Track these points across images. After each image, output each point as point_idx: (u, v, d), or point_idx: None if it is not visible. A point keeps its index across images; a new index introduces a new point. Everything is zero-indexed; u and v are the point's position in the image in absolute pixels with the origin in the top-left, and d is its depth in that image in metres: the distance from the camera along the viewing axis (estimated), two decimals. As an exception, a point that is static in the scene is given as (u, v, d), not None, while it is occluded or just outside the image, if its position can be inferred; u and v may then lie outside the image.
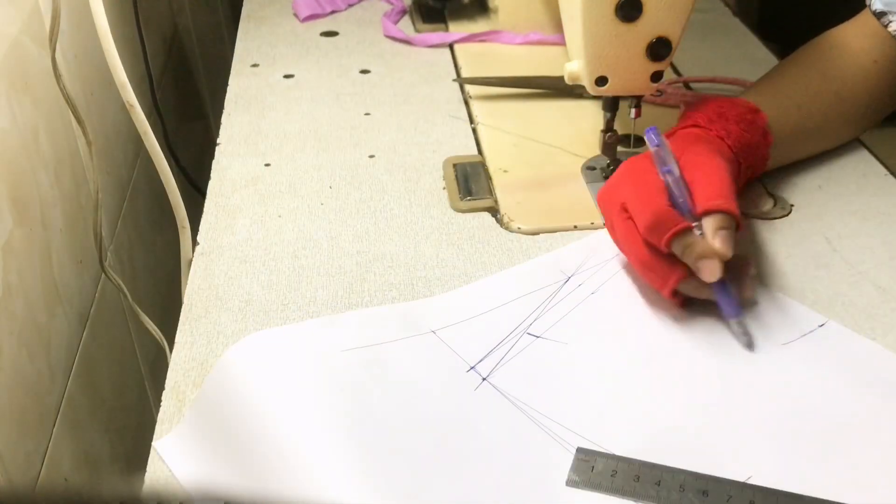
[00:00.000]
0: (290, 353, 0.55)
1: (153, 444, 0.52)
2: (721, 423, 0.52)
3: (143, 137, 0.76)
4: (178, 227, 0.79)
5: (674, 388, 0.54)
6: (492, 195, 0.73)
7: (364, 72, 0.94)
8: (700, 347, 0.57)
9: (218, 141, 0.82)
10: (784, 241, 0.67)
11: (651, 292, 0.61)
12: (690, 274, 0.57)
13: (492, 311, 0.60)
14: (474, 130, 0.83)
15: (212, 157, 0.80)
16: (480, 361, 0.55)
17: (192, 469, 0.51)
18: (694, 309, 0.60)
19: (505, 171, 0.76)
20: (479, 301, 0.61)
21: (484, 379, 0.54)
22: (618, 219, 0.61)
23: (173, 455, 0.51)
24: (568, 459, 0.49)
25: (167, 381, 0.57)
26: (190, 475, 0.50)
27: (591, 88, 0.69)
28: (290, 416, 0.50)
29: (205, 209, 0.73)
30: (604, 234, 0.65)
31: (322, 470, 0.47)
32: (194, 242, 0.69)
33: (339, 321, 0.58)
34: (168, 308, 0.93)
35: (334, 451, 0.48)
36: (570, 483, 0.48)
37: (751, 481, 0.48)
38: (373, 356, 0.55)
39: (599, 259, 0.64)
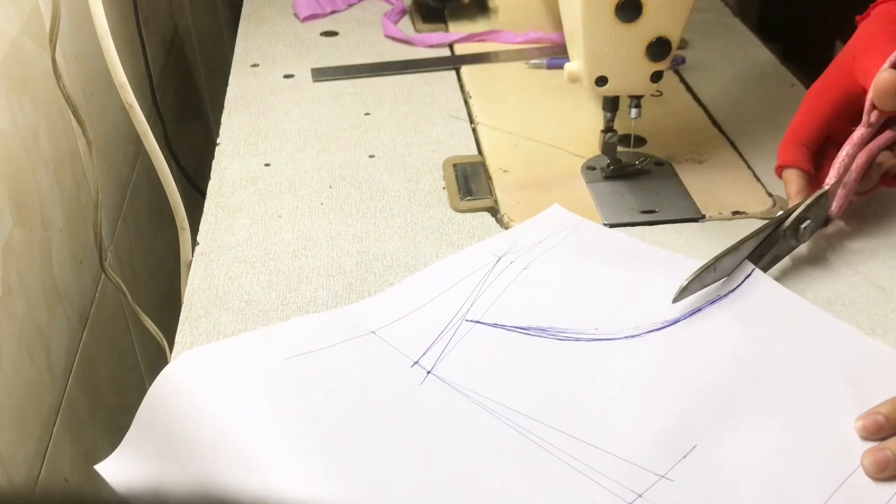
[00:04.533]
0: (231, 366, 0.54)
1: (94, 467, 0.51)
2: (661, 392, 0.53)
3: (142, 138, 0.76)
4: (178, 227, 0.79)
5: (608, 358, 0.55)
6: (492, 195, 0.73)
7: (364, 72, 0.94)
8: (628, 313, 0.58)
9: (218, 141, 0.82)
10: (784, 241, 0.67)
11: (581, 263, 0.62)
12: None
13: (429, 302, 0.60)
14: (474, 130, 0.83)
15: (212, 157, 0.80)
16: (423, 355, 0.56)
17: (136, 487, 0.50)
18: (628, 279, 0.61)
19: (505, 171, 0.76)
20: (415, 295, 0.61)
21: (429, 372, 0.54)
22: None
23: (116, 476, 0.51)
24: (517, 440, 0.50)
25: (167, 381, 0.57)
26: (136, 493, 0.50)
27: (591, 88, 0.69)
28: (239, 426, 0.50)
29: (205, 209, 0.73)
30: (532, 222, 0.67)
31: (278, 476, 0.47)
32: (194, 242, 0.69)
33: (277, 331, 0.58)
34: (168, 308, 0.93)
35: (288, 457, 0.48)
36: None
37: (695, 451, 0.49)
38: (315, 361, 0.55)
39: (528, 242, 0.65)
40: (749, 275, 0.59)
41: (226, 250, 0.68)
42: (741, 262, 0.60)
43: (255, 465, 0.47)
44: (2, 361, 0.60)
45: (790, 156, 0.65)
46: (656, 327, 0.57)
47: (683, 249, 0.66)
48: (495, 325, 0.57)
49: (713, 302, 0.58)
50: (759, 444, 0.49)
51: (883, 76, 0.59)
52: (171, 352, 0.60)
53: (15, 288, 0.63)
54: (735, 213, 0.70)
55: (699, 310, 0.57)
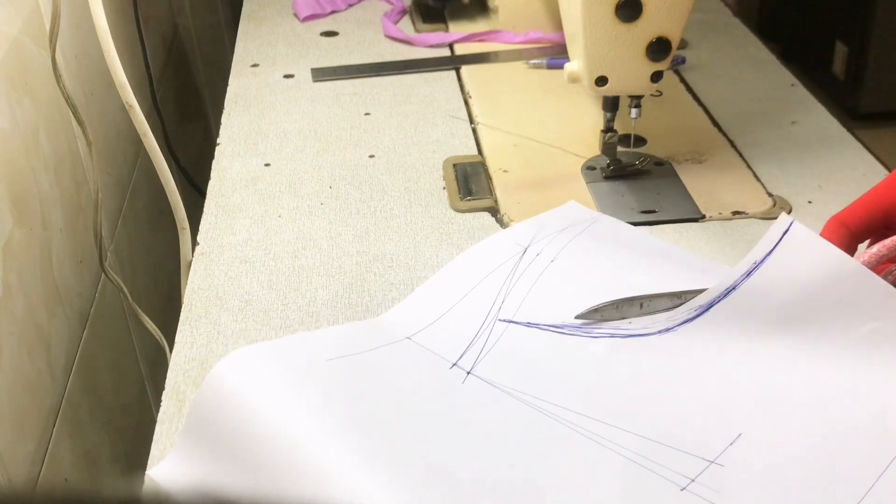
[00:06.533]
0: (276, 365, 0.54)
1: (148, 472, 0.51)
2: (701, 381, 0.52)
3: (142, 138, 0.76)
4: (178, 227, 0.79)
5: (644, 353, 0.54)
6: (492, 195, 0.73)
7: (364, 72, 0.94)
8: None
9: (218, 141, 0.82)
10: (784, 241, 0.67)
11: (608, 256, 0.62)
12: None
13: (460, 301, 0.59)
14: (474, 130, 0.83)
15: (212, 157, 0.80)
16: (461, 358, 0.56)
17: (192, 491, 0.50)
18: (662, 266, 0.60)
19: (505, 171, 0.76)
20: (445, 295, 0.60)
21: (468, 373, 0.54)
22: None
23: (171, 480, 0.51)
24: (566, 433, 0.50)
25: (167, 381, 0.57)
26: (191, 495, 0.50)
27: (591, 88, 0.69)
28: (289, 426, 0.50)
29: (205, 209, 0.73)
30: (551, 214, 0.67)
31: (331, 475, 0.47)
32: (194, 242, 0.69)
33: (315, 336, 0.58)
34: (168, 308, 0.93)
35: (340, 455, 0.48)
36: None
37: (740, 439, 0.49)
38: (357, 363, 0.55)
39: (552, 230, 0.64)
40: (788, 228, 0.55)
41: (226, 250, 0.68)
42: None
43: (308, 464, 0.47)
44: (2, 361, 0.60)
45: (825, 231, 0.60)
46: (689, 317, 0.56)
47: (684, 249, 0.66)
48: (528, 325, 0.57)
49: (749, 274, 0.55)
50: (805, 427, 0.49)
51: None
52: (170, 352, 0.60)
53: (15, 288, 0.63)
54: (735, 213, 0.70)
55: (734, 288, 0.55)
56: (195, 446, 0.51)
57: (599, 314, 0.56)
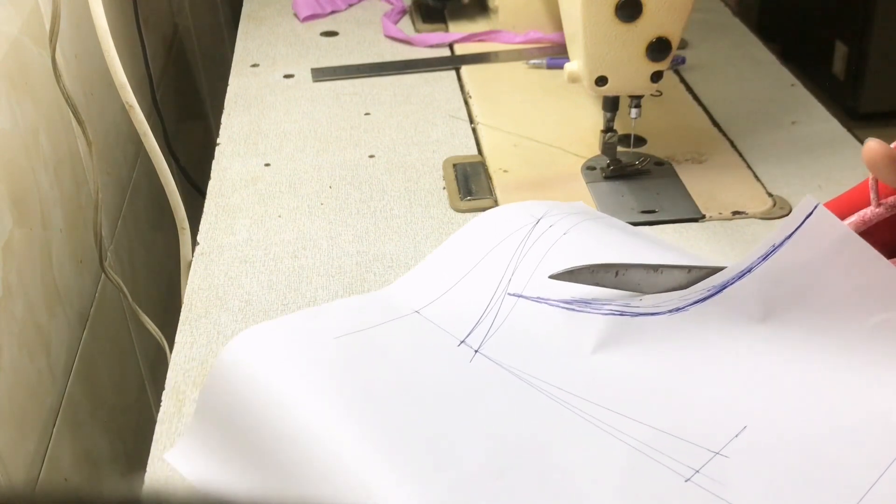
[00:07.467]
0: (284, 345, 0.54)
1: (164, 456, 0.51)
2: (712, 369, 0.52)
3: (142, 138, 0.76)
4: (178, 227, 0.79)
5: (654, 334, 0.54)
6: (492, 195, 0.73)
7: (364, 72, 0.94)
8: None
9: (218, 141, 0.82)
10: (784, 241, 0.67)
11: (621, 240, 0.61)
12: None
13: (470, 272, 0.59)
14: (474, 130, 0.83)
15: (212, 157, 0.80)
16: (469, 335, 0.55)
17: (207, 475, 0.50)
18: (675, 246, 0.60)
19: (505, 171, 0.76)
20: (455, 266, 0.60)
21: (476, 351, 0.54)
22: None
23: (186, 464, 0.51)
24: (571, 419, 0.50)
25: (167, 381, 0.57)
26: (206, 481, 0.50)
27: (591, 88, 0.69)
28: (299, 406, 0.50)
29: (205, 209, 0.73)
30: (564, 203, 0.66)
31: (340, 463, 0.47)
32: (194, 242, 0.69)
33: (322, 311, 0.58)
34: (168, 308, 0.93)
35: (352, 434, 0.48)
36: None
37: (745, 432, 0.49)
38: (365, 340, 0.55)
39: (564, 210, 0.63)
40: (812, 212, 0.53)
41: (226, 250, 0.68)
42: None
43: (317, 450, 0.47)
44: (2, 361, 0.60)
45: None
46: (701, 297, 0.55)
47: (683, 249, 0.66)
48: (538, 300, 0.56)
49: (766, 257, 0.54)
50: (810, 421, 0.49)
51: (869, 144, 0.52)
52: (170, 352, 0.60)
53: (15, 288, 0.63)
54: (735, 213, 0.70)
55: (749, 270, 0.54)
56: (207, 430, 0.51)
57: (573, 276, 0.55)
